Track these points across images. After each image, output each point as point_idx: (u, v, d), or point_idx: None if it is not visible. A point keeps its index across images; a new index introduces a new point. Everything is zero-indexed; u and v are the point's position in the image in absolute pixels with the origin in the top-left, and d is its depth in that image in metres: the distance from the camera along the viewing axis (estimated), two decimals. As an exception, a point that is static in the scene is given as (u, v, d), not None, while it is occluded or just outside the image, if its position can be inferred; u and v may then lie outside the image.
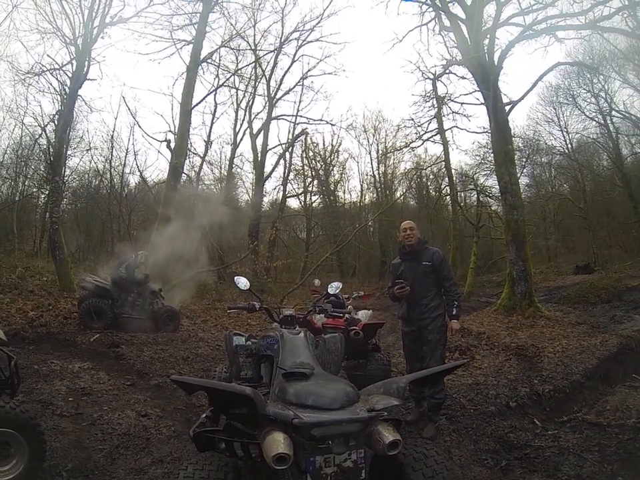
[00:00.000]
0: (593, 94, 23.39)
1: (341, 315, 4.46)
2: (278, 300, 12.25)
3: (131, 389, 5.15)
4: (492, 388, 5.25)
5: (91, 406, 4.43)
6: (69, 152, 18.76)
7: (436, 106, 17.99)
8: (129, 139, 23.56)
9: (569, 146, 26.51)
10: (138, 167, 22.43)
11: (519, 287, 10.63)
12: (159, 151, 26.62)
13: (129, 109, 22.18)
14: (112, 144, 21.70)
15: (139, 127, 26.85)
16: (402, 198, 27.66)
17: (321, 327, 5.39)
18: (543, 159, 26.71)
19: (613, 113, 22.83)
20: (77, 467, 3.27)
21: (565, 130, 26.45)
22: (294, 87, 22.06)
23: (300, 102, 22.55)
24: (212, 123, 21.79)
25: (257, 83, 21.24)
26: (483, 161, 22.10)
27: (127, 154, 21.98)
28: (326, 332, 4.88)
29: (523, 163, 23.18)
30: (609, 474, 3.20)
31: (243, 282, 3.86)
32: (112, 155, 21.76)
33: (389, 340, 9.17)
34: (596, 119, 24.14)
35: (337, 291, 4.22)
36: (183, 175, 16.00)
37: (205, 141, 22.02)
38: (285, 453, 1.91)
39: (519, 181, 13.31)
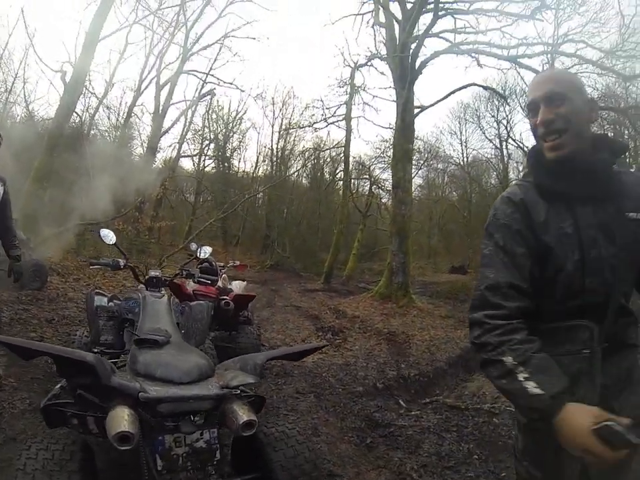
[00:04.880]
0: (496, 120, 25.76)
1: (209, 281, 4.15)
2: (157, 262, 11.50)
3: (-17, 356, 4.46)
4: (361, 369, 5.32)
5: None
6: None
7: (349, 93, 18.14)
8: (20, 63, 19.94)
9: (465, 159, 29.06)
10: (25, 96, 19.33)
11: (396, 277, 11.06)
12: (51, 83, 23.50)
13: (26, 27, 18.94)
14: (0, 65, 18.09)
15: (34, 49, 23.34)
16: (295, 175, 27.65)
17: (192, 293, 5.04)
18: (439, 165, 29.11)
19: (510, 140, 25.28)
20: None
21: (465, 144, 28.89)
22: (213, 43, 20.81)
23: (215, 60, 21.35)
24: (118, 63, 19.44)
25: (176, 31, 19.67)
26: (382, 155, 23.09)
27: (15, 79, 18.58)
28: (197, 299, 4.55)
29: (420, 165, 25.01)
30: (465, 452, 3.36)
31: (109, 236, 3.47)
32: None
33: (263, 314, 9.07)
34: (493, 142, 26.72)
35: (207, 255, 4.07)
36: (75, 114, 14.24)
37: (106, 81, 19.50)
38: (128, 431, 1.64)
39: (413, 179, 13.96)
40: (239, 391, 2.00)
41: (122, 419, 1.68)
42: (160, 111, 19.97)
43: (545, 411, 1.15)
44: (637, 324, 1.38)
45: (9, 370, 4.08)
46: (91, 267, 3.79)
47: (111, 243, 3.47)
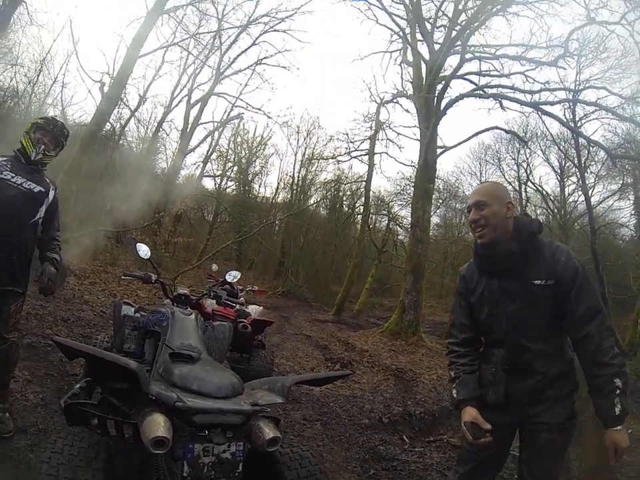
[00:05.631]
0: (516, 162, 26.20)
1: (234, 304, 4.29)
2: (172, 276, 11.71)
3: (-1, 347, 4.59)
4: (368, 402, 5.38)
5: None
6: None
7: (373, 128, 18.45)
8: (60, 68, 20.60)
9: (484, 200, 28.70)
10: (62, 100, 19.83)
11: (407, 315, 11.11)
12: (89, 91, 24.26)
13: (72, 35, 19.87)
14: (42, 67, 18.34)
15: (77, 57, 24.32)
16: (314, 205, 27.86)
17: (211, 312, 5.18)
18: (457, 205, 28.83)
19: (529, 183, 25.66)
20: None
21: None
22: (245, 69, 21.43)
23: (245, 85, 21.90)
24: (153, 79, 20.20)
25: (210, 54, 20.38)
26: (402, 192, 23.14)
27: (54, 83, 18.85)
28: (215, 319, 4.69)
29: (438, 204, 25.00)
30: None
31: (144, 250, 3.61)
32: (38, 78, 18.37)
33: (273, 340, 9.13)
34: (512, 184, 26.85)
35: (235, 280, 4.17)
36: (108, 123, 14.75)
37: (139, 95, 20.01)
38: (165, 436, 1.77)
39: (431, 218, 14.09)
40: (269, 409, 2.11)
41: (159, 425, 1.80)
42: (188, 130, 20.56)
43: (455, 406, 2.10)
44: (549, 357, 1.99)
45: (23, 363, 4.16)
46: (123, 277, 3.91)
47: (145, 257, 3.59)
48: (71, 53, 18.58)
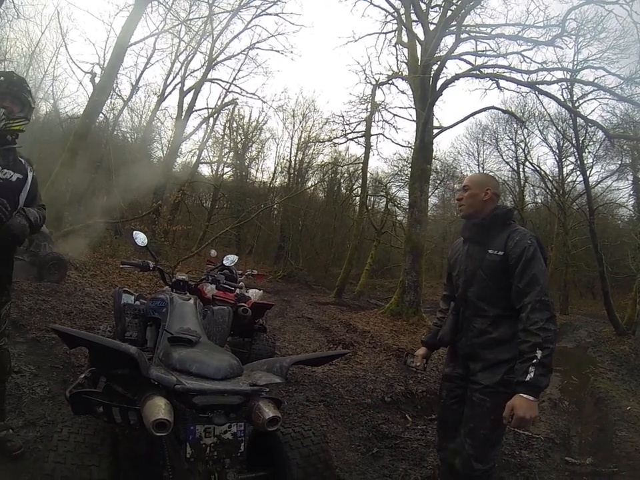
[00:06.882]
0: (514, 142, 26.22)
1: (233, 288, 4.30)
2: (172, 264, 11.71)
3: (4, 342, 4.63)
4: (370, 382, 5.40)
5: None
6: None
7: (369, 110, 18.20)
8: (50, 61, 20.10)
9: (482, 181, 28.81)
10: (53, 93, 19.67)
11: (408, 295, 11.17)
12: (80, 83, 23.98)
13: (60, 27, 19.55)
14: (31, 61, 18.64)
15: (66, 49, 23.96)
16: (312, 188, 27.81)
17: (211, 298, 5.19)
18: (455, 186, 28.72)
19: (527, 163, 25.55)
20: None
21: (482, 166, 29.20)
22: (238, 54, 21.34)
23: (239, 71, 21.80)
24: (144, 68, 20.25)
25: (202, 40, 20.17)
26: (399, 173, 23.13)
27: (44, 76, 19.09)
28: (215, 304, 4.69)
29: (436, 185, 24.97)
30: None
31: (141, 238, 3.59)
32: (27, 73, 18.23)
33: (275, 323, 9.21)
34: (510, 164, 27.16)
35: (232, 263, 4.13)
36: (101, 115, 14.63)
37: (132, 84, 20.18)
38: (166, 419, 1.79)
39: (429, 199, 14.05)
40: (267, 389, 2.13)
41: (160, 408, 1.82)
42: (182, 117, 20.43)
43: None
44: (488, 318, 2.29)
45: (29, 357, 4.27)
46: (121, 266, 3.91)
47: (142, 245, 3.57)
48: (60, 44, 18.23)
